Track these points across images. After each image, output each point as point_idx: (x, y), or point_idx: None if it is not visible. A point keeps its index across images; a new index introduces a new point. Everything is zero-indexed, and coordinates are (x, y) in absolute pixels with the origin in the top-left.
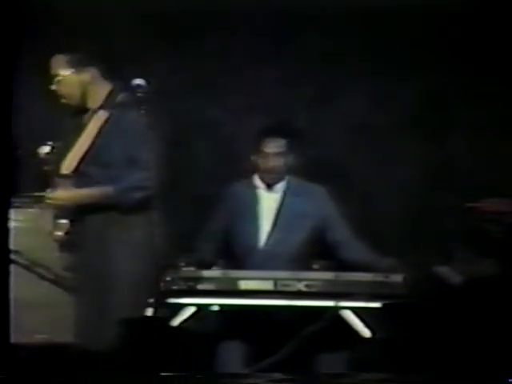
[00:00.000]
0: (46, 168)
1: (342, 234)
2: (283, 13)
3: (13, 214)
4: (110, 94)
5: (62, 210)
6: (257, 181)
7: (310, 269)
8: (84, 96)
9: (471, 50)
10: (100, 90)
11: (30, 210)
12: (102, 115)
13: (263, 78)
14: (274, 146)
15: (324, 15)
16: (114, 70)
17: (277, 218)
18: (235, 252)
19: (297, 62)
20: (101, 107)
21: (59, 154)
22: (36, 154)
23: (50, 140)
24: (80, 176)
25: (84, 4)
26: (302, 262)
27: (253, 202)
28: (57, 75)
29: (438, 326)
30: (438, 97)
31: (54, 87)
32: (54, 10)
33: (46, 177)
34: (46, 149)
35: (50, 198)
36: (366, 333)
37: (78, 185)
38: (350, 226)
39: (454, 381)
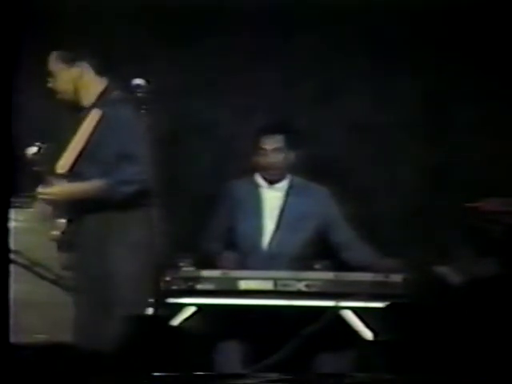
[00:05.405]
0: (35, 168)
1: (345, 235)
2: (283, 13)
3: (13, 214)
4: (104, 92)
5: (58, 208)
6: (258, 179)
7: (311, 269)
8: (77, 92)
9: (471, 50)
10: (93, 87)
11: (29, 209)
12: (96, 113)
13: (263, 78)
14: (272, 142)
15: (324, 15)
16: (110, 67)
17: (280, 218)
18: (238, 251)
19: (297, 61)
20: (94, 105)
21: (53, 154)
22: (24, 155)
23: (50, 139)
24: (75, 175)
25: (84, 3)
26: (304, 262)
27: (255, 201)
28: (51, 71)
29: (438, 325)
30: (438, 97)
31: (49, 84)
32: (53, 9)
33: (38, 177)
34: (33, 149)
35: (42, 194)
36: (366, 333)
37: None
38: (351, 226)
39: (453, 381)
